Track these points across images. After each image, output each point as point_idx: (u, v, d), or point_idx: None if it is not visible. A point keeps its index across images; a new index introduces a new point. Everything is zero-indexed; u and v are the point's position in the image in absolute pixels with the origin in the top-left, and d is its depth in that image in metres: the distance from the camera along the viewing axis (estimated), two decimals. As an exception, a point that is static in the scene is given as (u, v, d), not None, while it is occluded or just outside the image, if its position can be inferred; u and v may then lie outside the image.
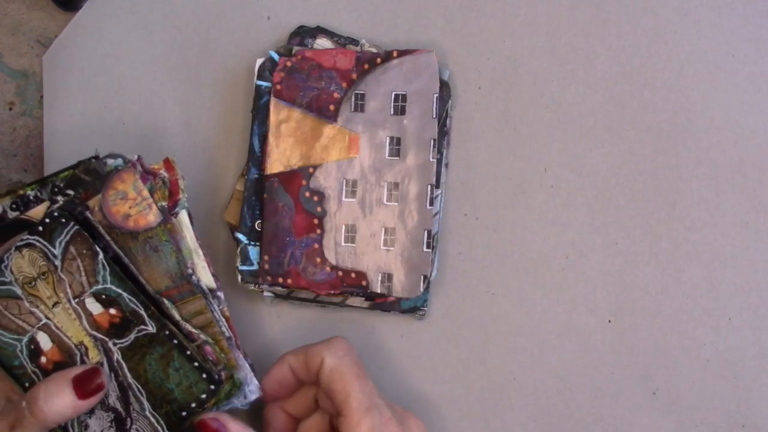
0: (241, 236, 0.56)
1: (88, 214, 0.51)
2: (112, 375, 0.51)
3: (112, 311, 0.51)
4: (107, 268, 0.51)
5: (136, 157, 0.52)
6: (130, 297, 0.51)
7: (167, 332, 0.51)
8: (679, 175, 0.57)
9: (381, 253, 0.56)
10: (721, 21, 0.57)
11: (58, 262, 0.51)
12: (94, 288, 0.51)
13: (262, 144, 0.57)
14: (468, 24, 0.58)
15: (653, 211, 0.57)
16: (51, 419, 0.48)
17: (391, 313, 0.57)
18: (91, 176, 0.52)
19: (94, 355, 0.51)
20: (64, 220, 0.51)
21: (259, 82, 0.57)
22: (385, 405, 0.50)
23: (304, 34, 0.58)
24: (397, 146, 0.56)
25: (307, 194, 0.56)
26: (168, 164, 0.53)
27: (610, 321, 0.57)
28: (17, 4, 0.60)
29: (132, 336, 0.51)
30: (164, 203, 0.52)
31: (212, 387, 0.50)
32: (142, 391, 0.51)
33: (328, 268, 0.56)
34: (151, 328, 0.51)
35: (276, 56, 0.57)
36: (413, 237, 0.56)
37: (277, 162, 0.56)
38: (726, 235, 0.57)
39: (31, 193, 0.52)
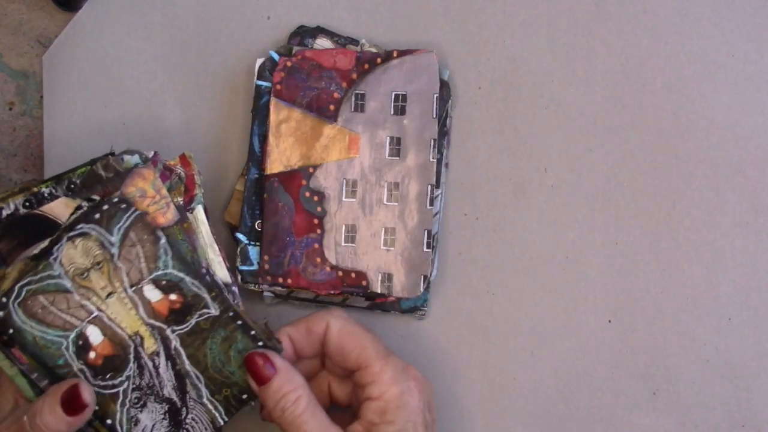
0: (241, 236, 0.56)
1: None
2: (169, 364, 0.50)
3: (173, 297, 0.50)
4: (169, 252, 0.50)
5: (152, 153, 0.52)
6: (192, 280, 0.50)
7: (231, 313, 0.50)
8: (679, 175, 0.57)
9: (381, 253, 0.56)
10: (721, 21, 0.57)
11: (115, 250, 0.50)
12: (154, 274, 0.50)
13: (262, 144, 0.57)
14: (468, 24, 0.58)
15: (653, 211, 0.57)
16: None
17: (391, 313, 0.57)
18: (109, 172, 0.52)
19: (150, 345, 0.50)
20: (124, 206, 0.49)
21: (259, 82, 0.57)
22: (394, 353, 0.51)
23: (304, 34, 0.58)
24: (397, 146, 0.56)
25: (307, 194, 0.56)
26: (184, 160, 0.53)
27: (610, 321, 0.57)
28: (17, 4, 0.60)
29: (192, 321, 0.50)
30: (180, 199, 0.52)
31: None
32: (201, 378, 0.50)
33: (328, 268, 0.56)
34: (213, 310, 0.50)
35: (276, 56, 0.57)
36: (413, 237, 0.56)
37: (277, 162, 0.56)
38: (726, 235, 0.57)
39: (45, 190, 0.52)
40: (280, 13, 0.59)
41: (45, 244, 0.50)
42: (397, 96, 0.56)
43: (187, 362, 0.50)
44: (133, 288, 0.50)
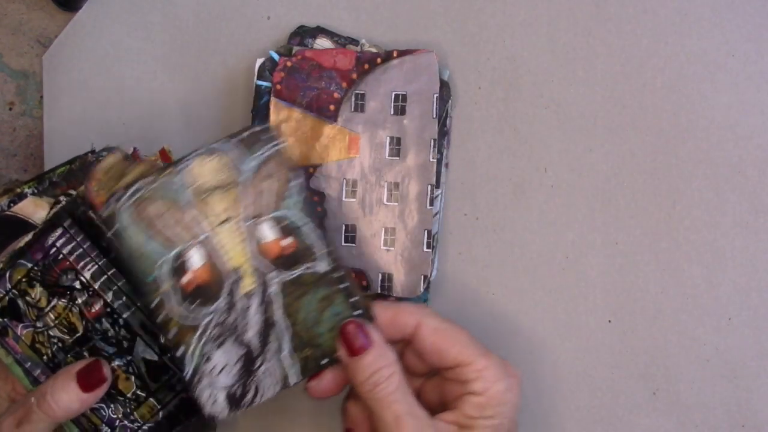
0: (241, 236, 0.56)
1: (90, 213, 0.51)
2: (261, 309, 0.48)
3: (287, 241, 0.48)
4: (300, 195, 0.48)
5: (132, 149, 0.53)
6: (313, 230, 0.48)
7: (339, 274, 0.48)
8: (679, 175, 0.57)
9: (381, 253, 0.56)
10: (721, 21, 0.57)
11: (245, 177, 0.47)
12: (277, 213, 0.47)
13: (262, 144, 0.57)
14: (468, 24, 0.58)
15: (653, 211, 0.57)
16: (59, 414, 0.49)
17: (391, 313, 0.57)
18: (84, 170, 0.52)
19: (248, 284, 0.48)
20: (268, 136, 0.47)
21: (259, 82, 0.57)
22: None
23: (304, 34, 0.58)
24: (397, 146, 0.56)
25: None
26: (164, 154, 0.53)
27: (610, 321, 0.57)
28: (17, 4, 0.60)
29: (298, 271, 0.48)
30: None
31: None
32: (288, 331, 0.48)
33: (328, 268, 0.56)
34: (321, 267, 0.48)
35: (276, 56, 0.57)
36: (413, 237, 0.56)
37: (277, 162, 0.56)
38: (726, 235, 0.57)
39: (28, 190, 0.52)
40: (280, 13, 0.59)
41: (29, 237, 0.51)
42: (397, 96, 0.56)
43: (279, 311, 0.48)
44: (251, 221, 0.47)
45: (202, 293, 0.48)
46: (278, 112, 0.56)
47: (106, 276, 0.51)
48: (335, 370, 0.49)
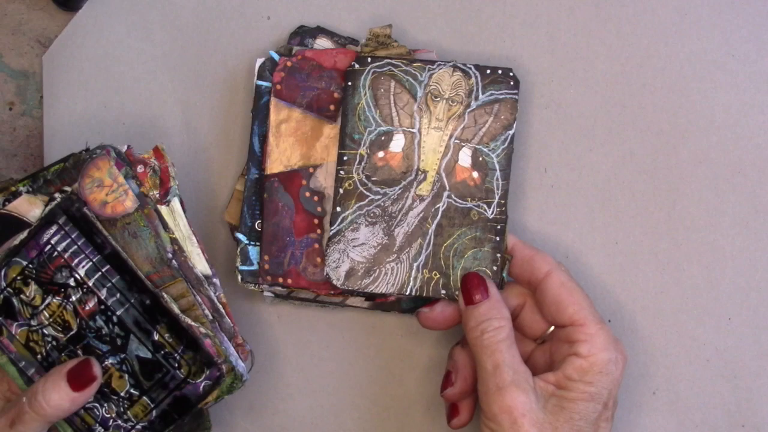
0: (241, 236, 0.56)
1: (85, 210, 0.51)
2: (421, 215, 0.51)
3: (476, 174, 0.52)
4: (506, 147, 0.51)
5: (126, 147, 0.53)
6: (498, 178, 0.51)
7: (500, 227, 0.51)
8: (679, 175, 0.57)
9: (381, 253, 0.56)
10: (721, 21, 0.57)
11: (475, 105, 0.51)
12: (481, 147, 0.51)
13: (262, 144, 0.57)
14: (468, 24, 0.58)
15: (653, 211, 0.57)
16: (50, 413, 0.49)
17: (391, 313, 0.57)
18: (78, 167, 0.52)
19: (424, 190, 0.52)
20: (513, 83, 0.52)
21: (259, 82, 0.57)
22: None
23: (304, 34, 0.58)
24: (397, 146, 0.56)
25: (307, 194, 0.56)
26: (158, 152, 0.53)
27: (610, 321, 0.57)
28: (17, 4, 0.60)
29: (470, 205, 0.52)
30: (155, 191, 0.52)
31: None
32: (430, 247, 0.51)
33: (328, 268, 0.56)
34: (489, 212, 0.51)
35: (276, 56, 0.57)
36: (413, 237, 0.56)
37: (277, 162, 0.56)
38: (726, 235, 0.57)
39: (23, 188, 0.52)
40: (280, 13, 0.59)
41: (24, 235, 0.51)
42: (397, 96, 0.56)
43: (433, 227, 0.51)
44: (458, 141, 0.51)
45: (385, 174, 0.52)
46: (278, 112, 0.56)
47: (100, 273, 0.51)
48: (449, 305, 0.53)
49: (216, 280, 0.52)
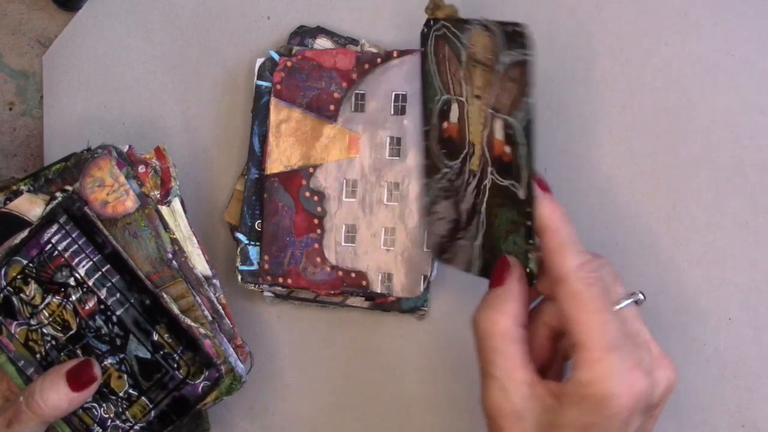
0: (241, 236, 0.56)
1: (86, 209, 0.51)
2: (475, 192, 0.50)
3: (507, 149, 0.47)
4: (527, 115, 0.46)
5: (127, 147, 0.53)
6: (525, 154, 0.47)
7: (529, 210, 0.47)
8: (679, 175, 0.57)
9: (381, 253, 0.56)
10: (721, 21, 0.57)
11: (500, 69, 0.47)
12: (509, 117, 0.46)
13: (262, 144, 0.57)
14: (468, 24, 0.58)
15: (653, 211, 0.57)
16: (48, 413, 0.48)
17: (391, 313, 0.57)
18: (79, 167, 0.52)
19: (475, 164, 0.50)
20: (528, 43, 0.46)
21: (259, 82, 0.57)
22: (636, 345, 0.44)
23: (304, 34, 0.58)
24: (397, 146, 0.56)
25: (307, 194, 0.56)
26: (159, 153, 0.53)
27: (610, 321, 0.57)
28: (17, 4, 0.60)
29: (506, 183, 0.48)
30: (156, 192, 0.52)
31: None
32: (484, 227, 0.50)
33: (328, 268, 0.56)
34: (521, 194, 0.47)
35: (276, 56, 0.57)
36: (413, 237, 0.56)
37: (277, 162, 0.56)
38: (726, 235, 0.57)
39: (24, 187, 0.52)
40: (280, 13, 0.59)
41: (24, 234, 0.51)
42: (397, 96, 0.56)
43: (484, 205, 0.49)
44: (492, 111, 0.48)
45: (450, 145, 0.51)
46: (278, 112, 0.56)
47: (100, 272, 0.52)
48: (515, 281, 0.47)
49: (216, 281, 0.52)
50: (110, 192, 0.51)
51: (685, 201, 0.57)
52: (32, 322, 0.52)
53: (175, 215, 0.52)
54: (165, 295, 0.51)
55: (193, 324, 0.51)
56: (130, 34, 0.59)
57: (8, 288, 0.52)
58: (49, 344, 0.52)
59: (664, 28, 0.58)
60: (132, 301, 0.51)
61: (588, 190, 0.57)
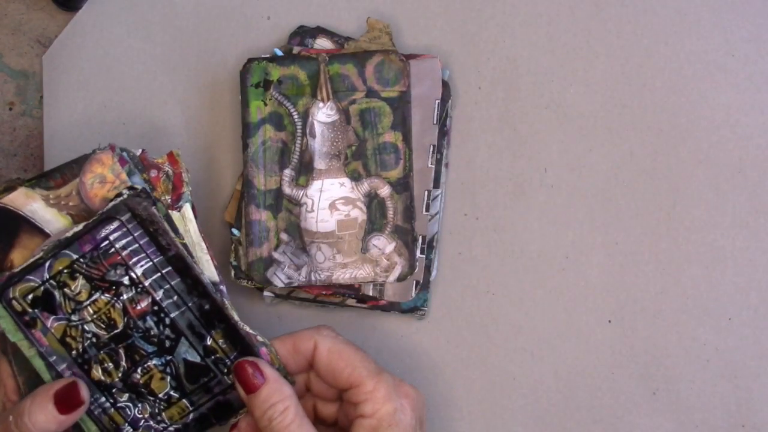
0: (236, 231, 0.56)
1: (153, 209, 0.51)
2: None
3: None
4: None
5: (140, 150, 0.52)
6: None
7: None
8: (679, 175, 0.57)
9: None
10: (721, 21, 0.57)
11: None
12: None
13: (262, 144, 0.57)
14: (468, 24, 0.58)
15: (653, 211, 0.57)
16: None
17: (391, 313, 0.57)
18: (80, 163, 0.51)
19: None
20: None
21: (259, 82, 0.57)
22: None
23: (304, 34, 0.58)
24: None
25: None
26: (172, 158, 0.52)
27: (610, 321, 0.57)
28: (17, 4, 0.60)
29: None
30: (167, 197, 0.52)
31: None
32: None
33: (328, 268, 0.56)
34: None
35: (280, 53, 0.57)
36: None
37: (277, 162, 0.56)
38: (726, 235, 0.57)
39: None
40: (280, 13, 0.59)
41: (78, 228, 0.50)
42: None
43: None
44: None
45: None
46: (278, 112, 0.56)
47: (159, 274, 0.51)
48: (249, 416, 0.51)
49: (223, 287, 0.52)
50: (111, 189, 0.51)
51: (685, 201, 0.57)
52: (73, 318, 0.51)
53: (185, 220, 0.52)
54: (227, 302, 0.51)
55: (251, 331, 0.51)
56: (130, 34, 0.59)
57: (51, 281, 0.50)
58: (88, 341, 0.51)
59: (664, 28, 0.58)
60: (190, 304, 0.51)
61: (588, 190, 0.57)
